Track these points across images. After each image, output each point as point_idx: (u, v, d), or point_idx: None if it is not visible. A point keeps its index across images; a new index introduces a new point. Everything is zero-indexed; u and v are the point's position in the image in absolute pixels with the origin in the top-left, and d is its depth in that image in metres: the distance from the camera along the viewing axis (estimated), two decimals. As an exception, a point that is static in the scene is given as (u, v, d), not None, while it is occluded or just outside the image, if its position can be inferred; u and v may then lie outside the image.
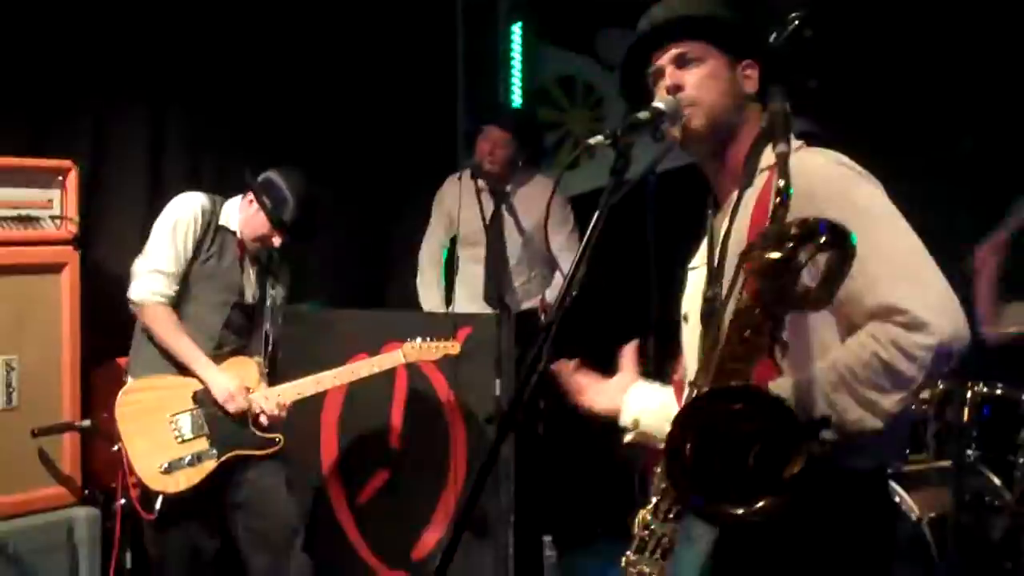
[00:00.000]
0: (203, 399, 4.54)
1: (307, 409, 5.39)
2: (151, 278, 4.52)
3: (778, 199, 2.08)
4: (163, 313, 4.52)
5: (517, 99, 7.30)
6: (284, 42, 6.19)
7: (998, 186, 5.08)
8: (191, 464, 4.48)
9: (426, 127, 6.93)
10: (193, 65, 5.79)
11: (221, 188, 6.02)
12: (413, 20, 6.81)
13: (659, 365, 5.18)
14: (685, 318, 2.68)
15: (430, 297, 6.15)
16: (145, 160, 5.64)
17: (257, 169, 4.73)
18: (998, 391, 5.07)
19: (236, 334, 4.67)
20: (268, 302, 4.74)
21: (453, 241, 6.22)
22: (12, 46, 5.08)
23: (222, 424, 4.55)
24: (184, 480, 4.46)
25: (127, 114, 5.58)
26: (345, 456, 5.47)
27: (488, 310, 5.74)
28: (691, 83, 2.57)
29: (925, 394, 4.88)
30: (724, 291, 2.38)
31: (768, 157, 2.45)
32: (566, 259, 5.69)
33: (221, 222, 4.65)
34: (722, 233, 2.51)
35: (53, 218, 4.95)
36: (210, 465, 4.51)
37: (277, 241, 4.62)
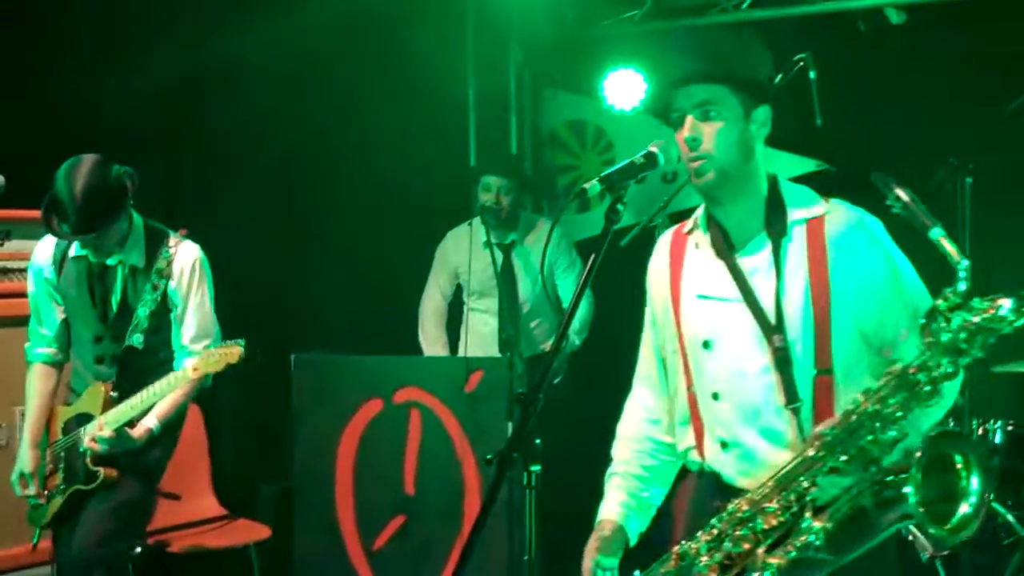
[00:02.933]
0: (71, 427, 4.44)
1: (321, 454, 5.43)
2: (32, 340, 4.56)
3: (964, 280, 2.47)
4: (32, 375, 4.55)
5: (526, 144, 7.36)
6: (299, 92, 6.26)
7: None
8: (49, 500, 4.44)
9: (439, 173, 6.98)
10: (206, 112, 5.85)
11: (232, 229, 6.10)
12: (424, 64, 6.89)
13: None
14: (706, 344, 2.89)
15: (435, 352, 6.21)
16: (157, 207, 5.65)
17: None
18: (1010, 427, 5.07)
19: (112, 364, 4.42)
20: (132, 321, 4.37)
21: (454, 294, 6.29)
22: (21, 98, 5.14)
23: (70, 457, 4.42)
24: (47, 515, 4.44)
25: (137, 162, 5.63)
26: (360, 501, 5.47)
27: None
28: (710, 135, 2.79)
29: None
30: (792, 341, 2.75)
31: (802, 211, 2.84)
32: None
33: (72, 253, 4.42)
34: (765, 281, 2.81)
35: (67, 269, 5.00)
36: (58, 502, 4.42)
37: (93, 242, 4.30)
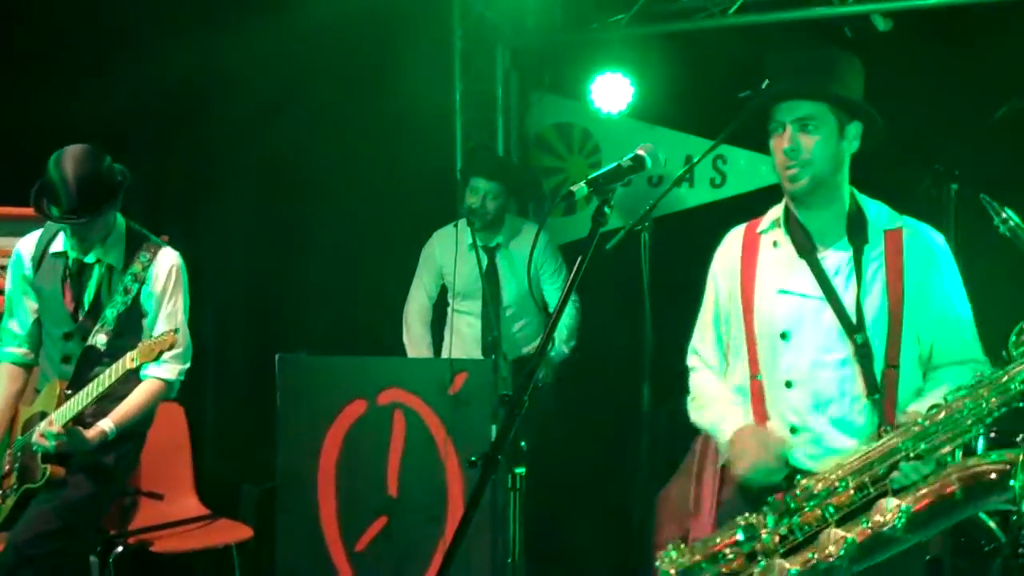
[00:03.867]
0: (30, 427, 4.36)
1: (304, 455, 5.42)
2: (2, 338, 4.51)
3: None
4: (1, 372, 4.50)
5: (513, 146, 7.37)
6: (286, 92, 6.25)
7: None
8: (4, 501, 4.35)
9: (425, 175, 6.98)
10: (197, 111, 5.84)
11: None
12: (411, 67, 6.89)
13: (654, 409, 5.23)
14: (784, 335, 3.18)
15: (419, 353, 6.21)
16: (144, 206, 5.62)
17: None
18: (992, 435, 5.08)
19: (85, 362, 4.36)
20: (99, 322, 4.32)
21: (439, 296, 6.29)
22: (7, 94, 5.12)
23: (25, 456, 4.35)
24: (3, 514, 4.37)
25: (125, 160, 5.60)
26: (343, 502, 5.45)
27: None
28: (808, 147, 3.11)
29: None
30: (871, 338, 3.10)
31: (882, 223, 3.19)
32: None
33: (51, 250, 4.43)
34: (846, 282, 3.15)
35: (52, 266, 4.98)
36: (11, 502, 4.34)
37: (82, 231, 4.28)
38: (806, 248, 3.21)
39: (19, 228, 4.85)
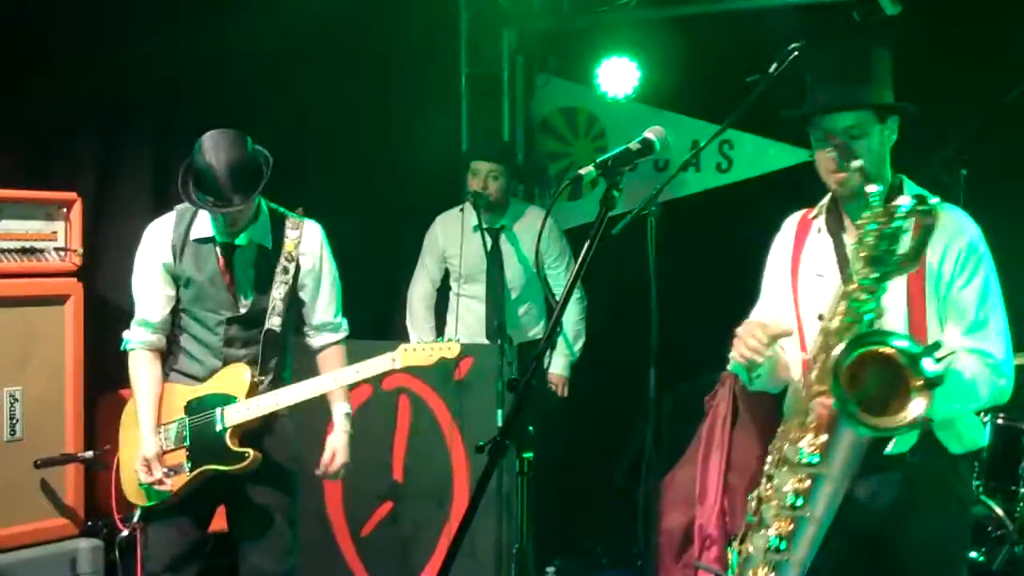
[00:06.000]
0: (194, 408, 4.30)
1: (310, 438, 5.42)
2: (134, 327, 4.37)
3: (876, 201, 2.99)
4: (139, 361, 4.33)
5: (519, 130, 7.36)
6: (291, 74, 6.23)
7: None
8: (174, 475, 4.25)
9: (431, 159, 6.96)
10: (199, 94, 5.81)
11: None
12: (417, 50, 6.87)
13: (660, 394, 5.21)
14: (821, 317, 3.20)
15: (423, 337, 6.15)
16: (149, 190, 5.64)
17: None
18: (999, 421, 5.07)
19: (245, 347, 4.31)
20: (269, 304, 4.31)
21: (442, 280, 6.29)
22: (14, 77, 5.10)
23: (203, 436, 4.26)
24: (156, 494, 4.27)
25: (130, 144, 5.59)
26: (348, 488, 5.46)
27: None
28: (859, 153, 3.21)
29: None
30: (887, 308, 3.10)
31: (915, 203, 3.13)
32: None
33: (194, 236, 4.31)
34: None
35: (57, 250, 4.98)
36: (182, 479, 4.26)
37: (234, 216, 4.22)
38: (836, 231, 3.36)
39: (27, 212, 4.89)
